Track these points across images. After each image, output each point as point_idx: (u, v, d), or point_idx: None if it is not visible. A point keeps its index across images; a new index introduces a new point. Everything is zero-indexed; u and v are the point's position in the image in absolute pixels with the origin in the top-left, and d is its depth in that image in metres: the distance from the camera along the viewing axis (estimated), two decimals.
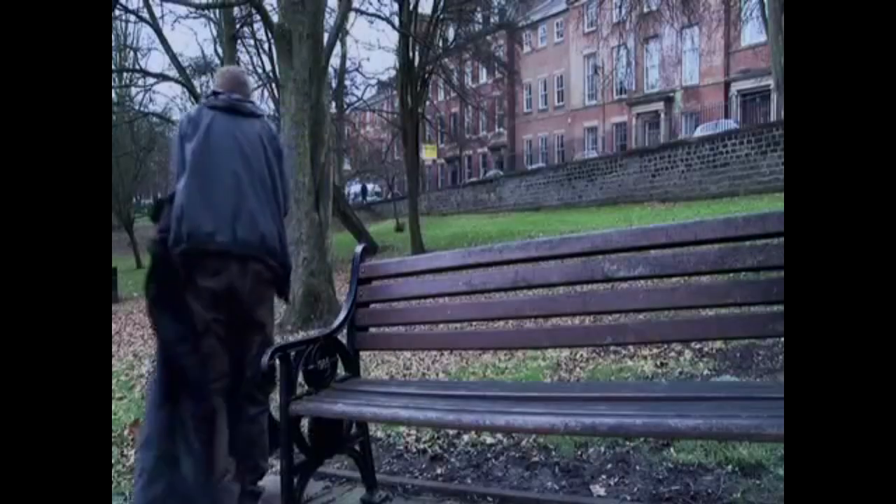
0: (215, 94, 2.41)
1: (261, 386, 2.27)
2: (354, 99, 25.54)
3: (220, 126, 2.32)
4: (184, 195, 2.22)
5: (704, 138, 20.15)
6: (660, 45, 30.59)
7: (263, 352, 2.14)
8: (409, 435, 3.22)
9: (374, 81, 26.71)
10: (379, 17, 18.03)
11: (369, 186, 39.80)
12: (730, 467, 2.41)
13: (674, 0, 15.93)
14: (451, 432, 3.10)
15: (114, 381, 5.32)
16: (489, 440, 3.00)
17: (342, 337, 2.46)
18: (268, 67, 23.79)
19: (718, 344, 4.51)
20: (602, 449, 2.75)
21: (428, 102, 25.13)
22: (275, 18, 9.69)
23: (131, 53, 26.61)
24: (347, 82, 25.08)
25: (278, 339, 2.77)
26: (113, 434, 3.45)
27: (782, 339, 2.73)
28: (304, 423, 2.26)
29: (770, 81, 20.05)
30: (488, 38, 23.53)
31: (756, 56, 25.68)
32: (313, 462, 2.26)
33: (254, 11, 12.59)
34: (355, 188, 39.92)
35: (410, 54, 17.59)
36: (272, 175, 2.40)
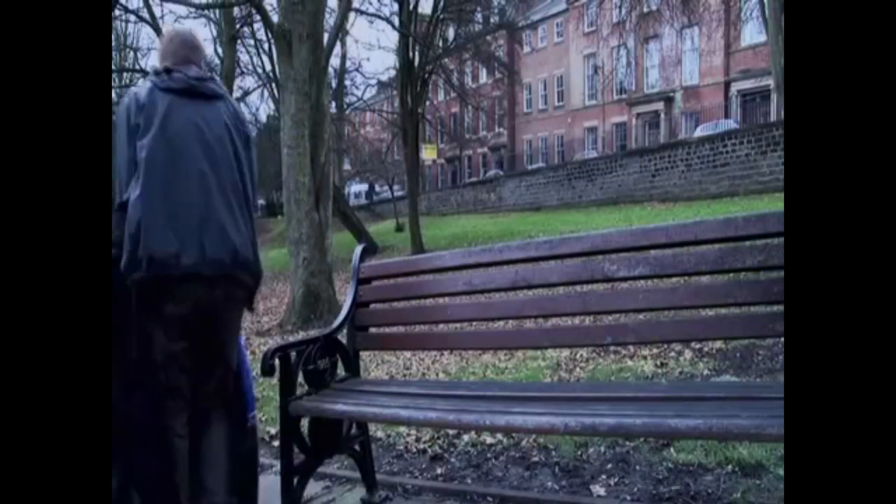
0: (167, 70, 1.97)
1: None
2: (354, 99, 25.58)
3: (178, 114, 1.91)
4: (140, 207, 1.83)
5: (704, 138, 20.16)
6: (660, 45, 30.58)
7: (224, 387, 2.01)
8: (409, 435, 3.22)
9: (374, 81, 26.78)
10: (379, 17, 18.03)
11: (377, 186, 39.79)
12: (730, 467, 2.41)
13: (674, 0, 15.93)
14: (451, 432, 3.10)
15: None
16: (489, 440, 3.00)
17: (342, 337, 2.46)
18: (268, 67, 23.79)
19: (718, 344, 4.51)
20: (602, 449, 2.75)
21: (428, 102, 25.13)
22: (275, 18, 9.70)
23: (131, 53, 26.62)
24: (347, 82, 25.09)
25: (278, 339, 2.77)
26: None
27: (782, 339, 2.73)
28: (304, 423, 2.26)
29: (770, 81, 20.04)
30: (488, 38, 23.54)
31: (756, 56, 25.69)
32: (313, 462, 2.26)
33: (254, 11, 12.59)
34: (356, 188, 39.89)
35: (410, 54, 17.59)
36: (241, 171, 2.03)
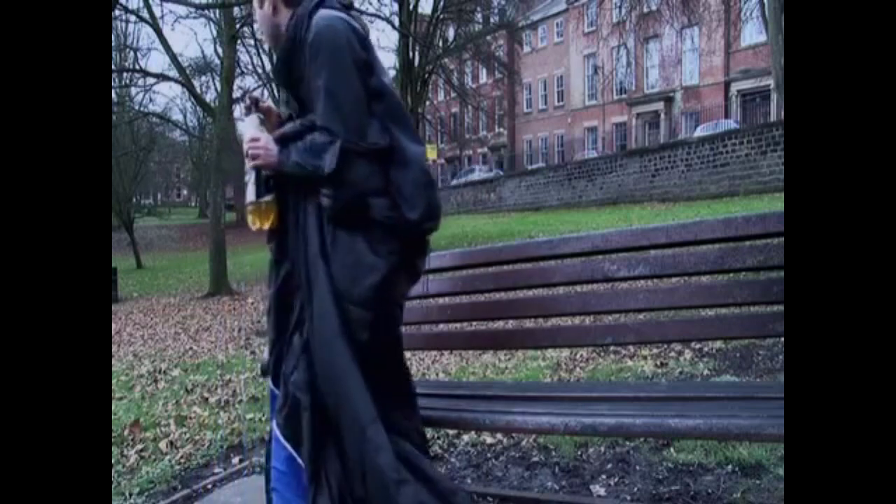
0: (346, 6, 1.72)
1: None
2: None
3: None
4: (416, 153, 1.66)
5: (704, 138, 20.19)
6: (660, 45, 30.62)
7: None
8: None
9: None
10: (379, 17, 18.02)
11: None
12: (730, 467, 2.42)
13: (674, 0, 15.94)
14: (451, 432, 3.10)
15: (114, 381, 5.33)
16: (489, 440, 3.00)
17: None
18: (268, 67, 23.83)
19: (718, 344, 4.51)
20: (602, 449, 2.75)
21: (428, 102, 25.15)
22: None
23: (131, 53, 26.67)
24: None
25: None
26: (113, 434, 3.45)
27: (782, 339, 2.73)
28: None
29: (770, 81, 20.05)
30: (488, 38, 23.57)
31: (756, 56, 25.72)
32: None
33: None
34: None
35: (410, 54, 17.61)
36: None
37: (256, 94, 1.85)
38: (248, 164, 1.70)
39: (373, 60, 1.64)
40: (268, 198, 1.73)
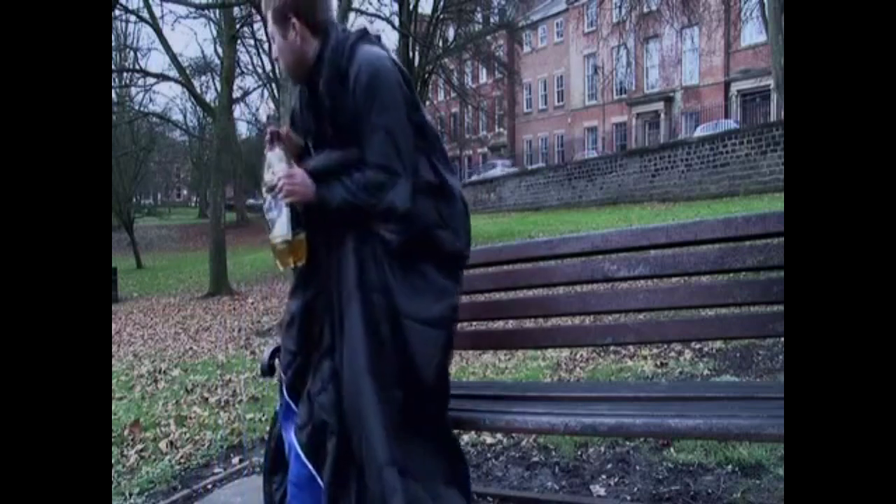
0: (375, 37, 1.74)
1: None
2: None
3: None
4: (457, 186, 1.78)
5: (704, 138, 20.18)
6: (660, 45, 30.61)
7: None
8: None
9: None
10: (379, 17, 18.03)
11: None
12: (730, 467, 2.42)
13: (674, 0, 15.93)
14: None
15: (114, 381, 5.33)
16: (489, 440, 3.00)
17: None
18: (268, 67, 23.85)
19: (718, 344, 4.51)
20: (602, 449, 2.75)
21: (428, 102, 25.14)
22: None
23: (131, 53, 26.68)
24: None
25: (278, 339, 2.77)
26: (113, 434, 3.45)
27: (782, 339, 2.73)
28: None
29: (770, 81, 20.05)
30: (488, 38, 23.55)
31: (756, 56, 25.71)
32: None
33: (254, 11, 12.60)
34: None
35: (410, 54, 17.61)
36: None
37: (282, 129, 1.77)
38: (281, 199, 1.66)
39: (415, 97, 1.71)
40: (301, 235, 1.71)
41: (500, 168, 32.83)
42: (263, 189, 1.70)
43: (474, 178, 33.14)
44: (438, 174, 1.71)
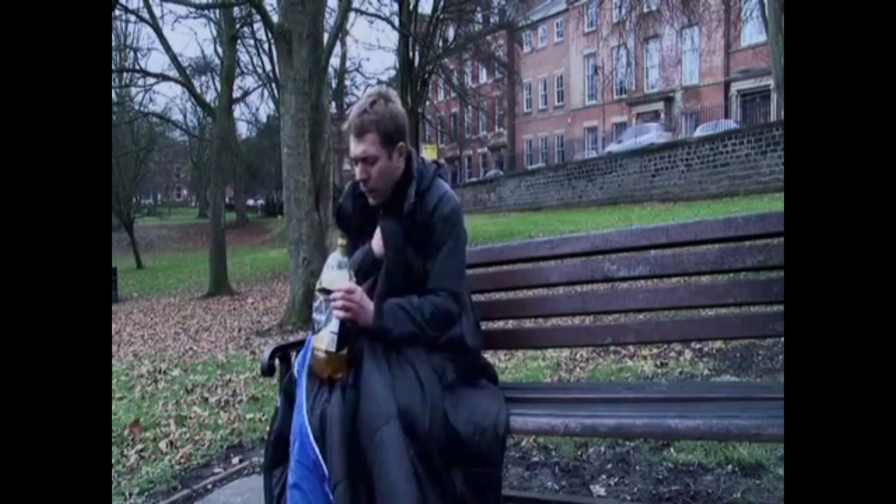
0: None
1: None
2: (354, 99, 25.58)
3: None
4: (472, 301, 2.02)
5: (704, 138, 20.17)
6: (660, 45, 30.62)
7: None
8: None
9: (374, 81, 26.79)
10: (379, 17, 18.06)
11: None
12: (730, 467, 2.41)
13: (674, 0, 15.93)
14: None
15: (114, 381, 5.33)
16: None
17: None
18: (268, 67, 23.84)
19: (718, 344, 4.51)
20: (602, 449, 2.75)
21: (428, 102, 25.15)
22: (275, 18, 9.70)
23: (131, 53, 26.69)
24: (347, 82, 25.17)
25: (279, 339, 2.77)
26: (113, 434, 3.45)
27: (782, 339, 2.73)
28: None
29: (770, 81, 20.05)
30: (488, 38, 23.56)
31: (756, 56, 25.71)
32: None
33: (254, 11, 12.60)
34: None
35: (410, 54, 17.63)
36: None
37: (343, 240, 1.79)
38: (335, 312, 1.65)
39: None
40: (344, 351, 1.68)
41: (654, 133, 26.80)
42: (317, 288, 1.69)
43: (622, 144, 26.88)
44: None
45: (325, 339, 1.65)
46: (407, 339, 1.70)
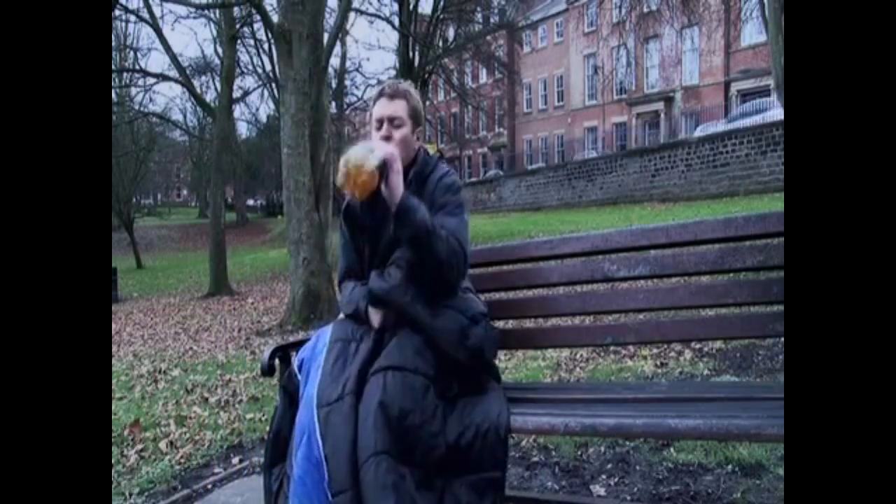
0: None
1: None
2: (354, 99, 25.58)
3: None
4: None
5: (704, 138, 20.14)
6: (660, 45, 30.61)
7: None
8: None
9: (374, 81, 26.76)
10: (379, 17, 18.06)
11: None
12: (730, 467, 2.41)
13: (674, 0, 15.92)
14: None
15: (114, 381, 5.33)
16: None
17: None
18: (268, 67, 23.83)
19: (718, 344, 4.51)
20: (602, 449, 2.75)
21: (428, 102, 25.13)
22: (275, 18, 9.70)
23: (131, 53, 26.68)
24: (347, 82, 25.12)
25: (278, 339, 2.76)
26: (113, 434, 3.45)
27: (782, 339, 2.73)
28: None
29: (770, 81, 20.03)
30: (488, 38, 23.55)
31: (756, 56, 25.70)
32: None
33: (254, 11, 12.60)
34: None
35: (410, 54, 17.63)
36: None
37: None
38: (383, 147, 1.73)
39: None
40: (374, 164, 1.64)
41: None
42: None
43: (704, 131, 22.52)
44: None
45: (359, 152, 1.65)
46: (423, 233, 1.73)
